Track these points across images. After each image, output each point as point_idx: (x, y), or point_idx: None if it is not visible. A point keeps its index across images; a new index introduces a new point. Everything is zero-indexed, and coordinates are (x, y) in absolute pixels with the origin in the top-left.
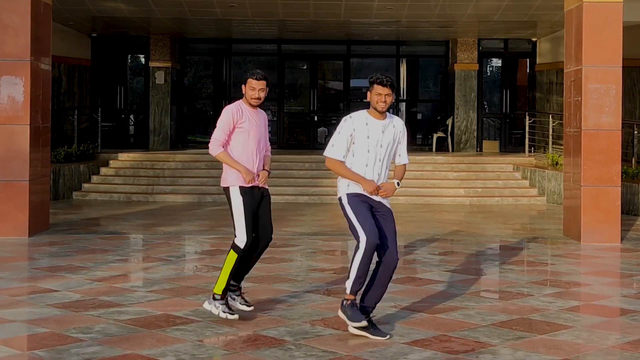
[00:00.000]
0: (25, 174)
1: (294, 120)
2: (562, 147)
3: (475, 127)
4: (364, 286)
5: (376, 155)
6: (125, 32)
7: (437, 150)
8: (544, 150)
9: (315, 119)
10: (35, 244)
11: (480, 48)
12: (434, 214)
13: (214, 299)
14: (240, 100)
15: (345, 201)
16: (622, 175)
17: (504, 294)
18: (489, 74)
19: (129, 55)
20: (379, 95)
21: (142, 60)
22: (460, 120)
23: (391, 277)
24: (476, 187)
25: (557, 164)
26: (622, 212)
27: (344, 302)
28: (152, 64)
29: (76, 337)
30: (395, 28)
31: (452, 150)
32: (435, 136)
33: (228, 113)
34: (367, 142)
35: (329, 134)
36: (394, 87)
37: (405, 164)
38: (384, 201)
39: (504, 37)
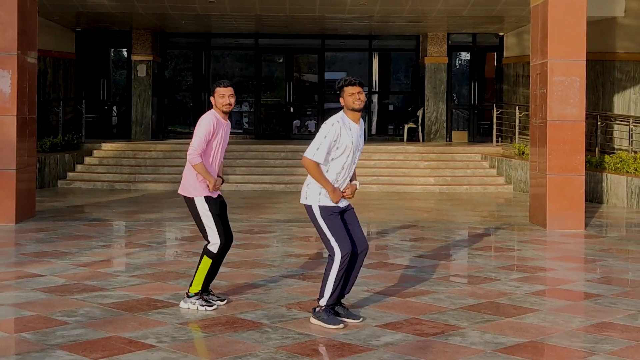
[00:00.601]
0: (12, 163)
1: (270, 111)
2: (528, 137)
3: (445, 118)
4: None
5: (352, 159)
6: (108, 27)
7: (408, 140)
8: (511, 140)
9: (291, 110)
10: (22, 231)
11: (450, 42)
12: (405, 201)
13: (188, 296)
14: (211, 110)
15: (317, 214)
16: (586, 165)
17: (473, 278)
18: (458, 67)
19: (112, 49)
20: (353, 94)
21: (125, 53)
22: (430, 112)
23: (362, 263)
24: (446, 175)
25: (523, 153)
26: (586, 200)
27: (317, 309)
28: (134, 58)
29: (61, 320)
30: (367, 23)
31: (423, 141)
32: (406, 127)
33: (209, 123)
34: (352, 148)
35: (301, 126)
36: (363, 84)
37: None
38: (346, 203)
39: (472, 32)
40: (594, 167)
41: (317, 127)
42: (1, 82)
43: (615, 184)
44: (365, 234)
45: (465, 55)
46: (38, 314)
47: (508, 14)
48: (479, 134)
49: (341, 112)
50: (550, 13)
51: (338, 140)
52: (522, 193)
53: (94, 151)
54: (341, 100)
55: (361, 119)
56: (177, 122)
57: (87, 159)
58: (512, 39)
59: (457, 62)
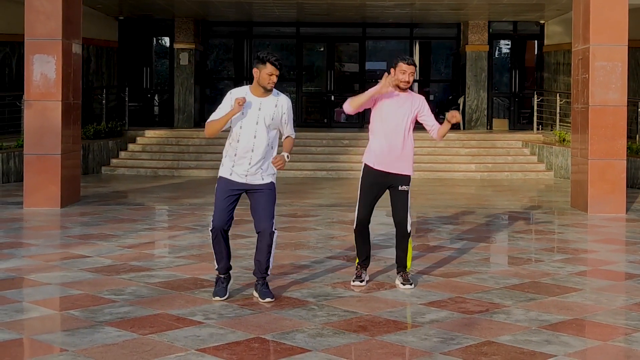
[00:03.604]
0: (57, 148)
1: (312, 100)
2: (569, 124)
3: (486, 106)
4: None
5: (254, 133)
6: (150, 15)
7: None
8: (552, 128)
9: (332, 98)
10: (67, 214)
11: (491, 30)
12: (446, 187)
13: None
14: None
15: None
16: (627, 151)
17: (515, 259)
18: (498, 55)
19: (155, 38)
20: (272, 75)
21: (167, 42)
22: (471, 100)
23: (270, 247)
24: (487, 162)
25: (564, 140)
26: (627, 186)
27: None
28: (176, 46)
29: (109, 299)
30: (408, 11)
31: (464, 129)
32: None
33: None
34: (244, 119)
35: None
36: (281, 68)
37: (292, 137)
38: (260, 180)
39: (513, 20)
40: (635, 153)
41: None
42: (46, 67)
43: None
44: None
45: (505, 44)
46: (86, 293)
47: (549, 2)
48: (520, 122)
49: (244, 87)
50: None
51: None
52: (562, 179)
53: (137, 138)
54: (255, 71)
55: (277, 95)
56: None
57: (130, 146)
58: (552, 27)
59: (497, 50)
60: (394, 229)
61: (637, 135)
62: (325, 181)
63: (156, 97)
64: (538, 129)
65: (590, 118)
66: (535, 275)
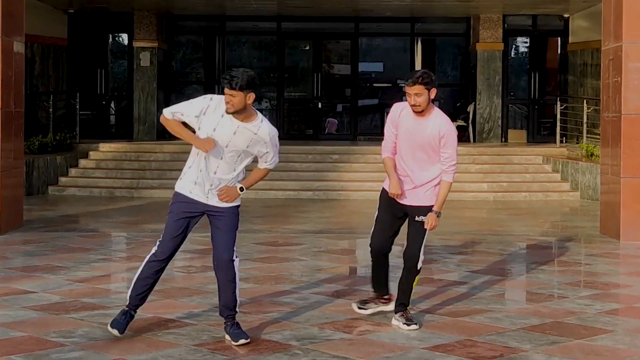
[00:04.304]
0: None
1: (295, 108)
2: (597, 136)
3: (500, 115)
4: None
5: (220, 155)
6: (106, 8)
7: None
8: (577, 140)
9: (319, 106)
10: (8, 243)
11: (506, 25)
12: (454, 210)
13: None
14: None
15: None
16: None
17: (535, 295)
18: (515, 54)
19: (111, 35)
20: (225, 98)
21: (125, 39)
22: (482, 107)
23: (233, 279)
24: (501, 181)
25: (592, 155)
26: None
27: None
28: (136, 44)
29: (57, 342)
30: (409, 3)
31: (474, 141)
32: (454, 125)
33: None
34: (211, 135)
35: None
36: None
37: (267, 169)
38: (221, 204)
39: (532, 13)
40: None
41: (345, 126)
42: None
43: None
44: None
45: (523, 41)
46: (30, 335)
47: None
48: (540, 133)
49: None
50: None
51: (201, 117)
52: (591, 201)
53: (91, 153)
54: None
55: (260, 122)
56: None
57: (82, 162)
58: (579, 22)
59: (514, 48)
60: (391, 259)
61: None
62: (311, 203)
63: (112, 105)
64: (562, 141)
65: (623, 129)
66: (558, 314)
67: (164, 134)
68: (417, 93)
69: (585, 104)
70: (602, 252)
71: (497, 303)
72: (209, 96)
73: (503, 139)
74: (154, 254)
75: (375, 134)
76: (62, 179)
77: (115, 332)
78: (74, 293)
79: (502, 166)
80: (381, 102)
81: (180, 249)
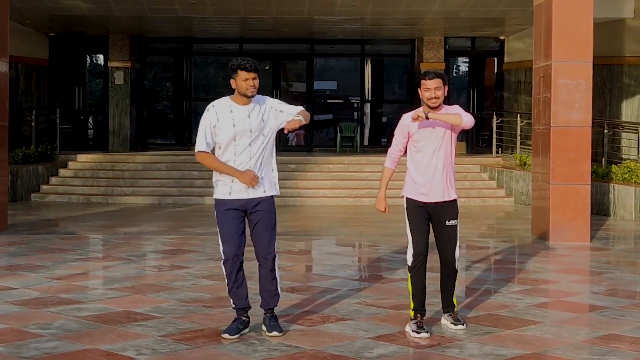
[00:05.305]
0: None
1: None
2: (530, 147)
3: None
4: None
5: (249, 143)
6: (83, 31)
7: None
8: (512, 151)
9: None
10: None
11: (447, 47)
12: (400, 214)
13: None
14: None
15: (215, 208)
16: (591, 175)
17: (471, 290)
18: (455, 73)
19: (88, 55)
20: (247, 80)
21: (101, 60)
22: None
23: (273, 271)
24: None
25: (525, 164)
26: (592, 213)
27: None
28: (111, 64)
29: (35, 333)
30: (359, 26)
31: None
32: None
33: None
34: (237, 131)
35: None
36: (259, 70)
37: (299, 113)
38: (261, 193)
39: (471, 35)
40: (601, 178)
41: (302, 139)
42: None
43: (623, 196)
44: (356, 248)
45: (464, 61)
46: (11, 327)
47: (509, 16)
48: (478, 145)
49: (225, 97)
50: (554, 11)
51: (217, 126)
52: (523, 206)
53: (69, 163)
54: (232, 82)
55: (256, 98)
56: (157, 134)
57: (61, 171)
58: (513, 43)
59: (455, 68)
60: (343, 259)
61: (603, 159)
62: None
63: (90, 119)
64: (497, 152)
65: (552, 140)
66: (492, 307)
67: (136, 146)
68: (437, 87)
69: (519, 118)
70: (533, 251)
71: (435, 297)
72: (208, 107)
73: None
74: (224, 261)
75: (329, 146)
76: (44, 187)
77: (226, 335)
78: (52, 289)
79: None
80: (335, 116)
81: (151, 250)
